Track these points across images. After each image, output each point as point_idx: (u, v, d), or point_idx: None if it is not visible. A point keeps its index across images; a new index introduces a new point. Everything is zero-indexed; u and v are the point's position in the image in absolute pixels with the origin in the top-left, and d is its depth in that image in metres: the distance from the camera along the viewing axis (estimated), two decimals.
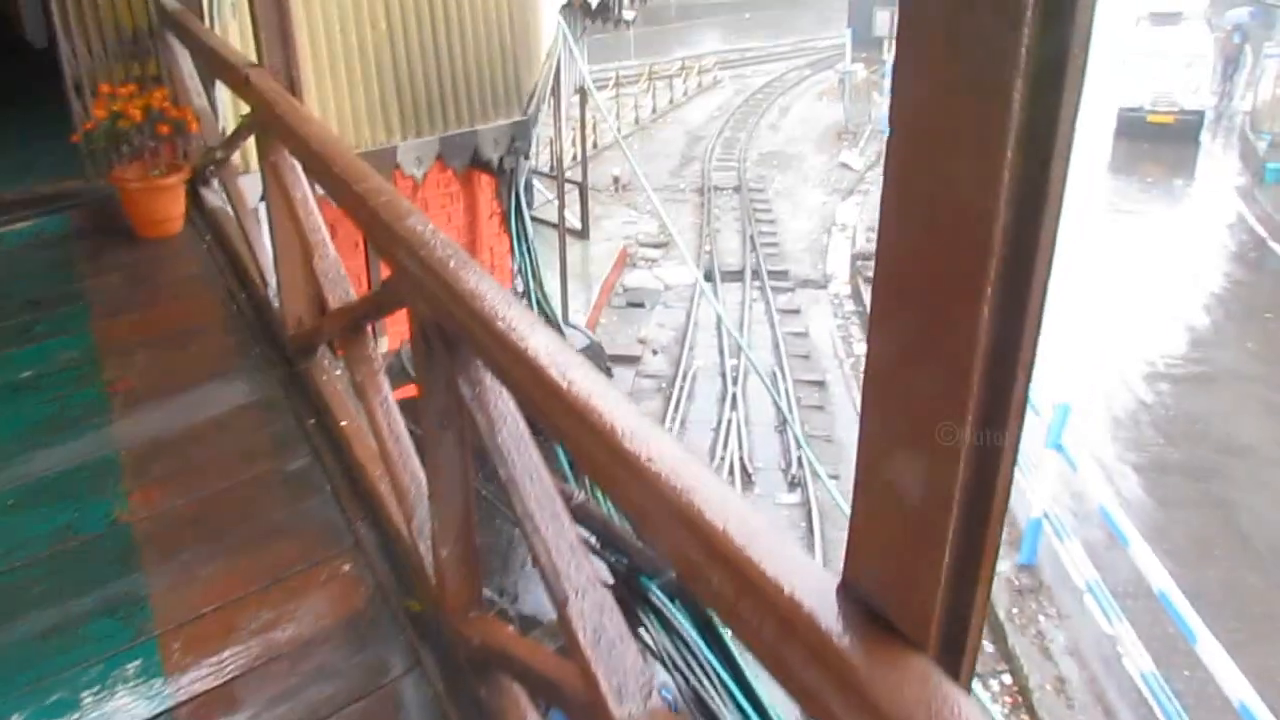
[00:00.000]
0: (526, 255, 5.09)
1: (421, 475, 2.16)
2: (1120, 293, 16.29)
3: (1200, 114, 23.27)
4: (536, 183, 12.73)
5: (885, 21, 26.17)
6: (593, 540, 2.76)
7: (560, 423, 1.27)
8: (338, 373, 3.02)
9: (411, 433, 2.29)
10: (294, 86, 3.04)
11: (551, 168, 16.29)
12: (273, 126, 2.69)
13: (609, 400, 1.20)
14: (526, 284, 4.98)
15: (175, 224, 4.12)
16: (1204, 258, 18.31)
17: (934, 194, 0.73)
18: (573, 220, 16.29)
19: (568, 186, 15.29)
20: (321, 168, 2.20)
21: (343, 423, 2.77)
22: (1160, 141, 23.05)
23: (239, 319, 3.47)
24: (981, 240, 0.71)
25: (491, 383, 1.61)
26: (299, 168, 2.66)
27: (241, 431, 2.88)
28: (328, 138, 2.25)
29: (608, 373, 6.27)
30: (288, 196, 2.72)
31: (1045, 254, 0.75)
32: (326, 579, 2.35)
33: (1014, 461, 0.80)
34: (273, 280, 3.32)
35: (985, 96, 0.67)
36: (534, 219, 12.52)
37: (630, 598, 2.69)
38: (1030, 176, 0.70)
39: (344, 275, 2.57)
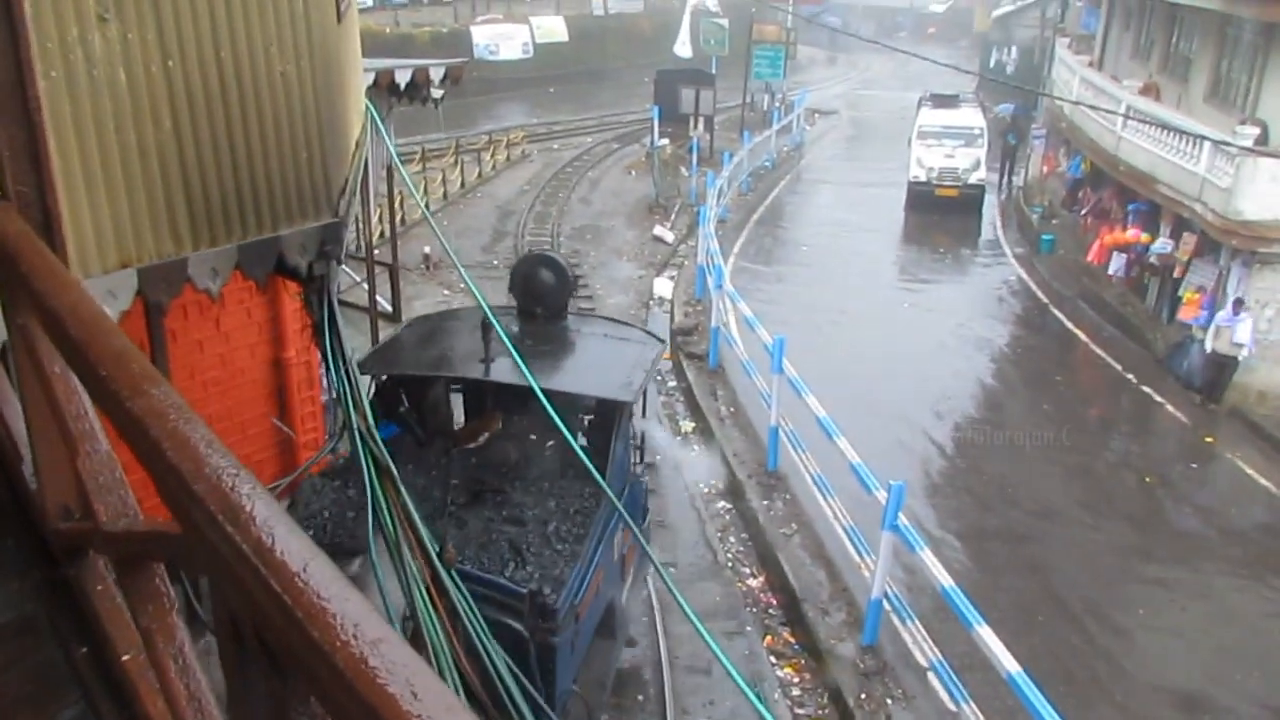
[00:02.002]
0: (346, 379, 4.50)
1: None
2: (920, 357, 16.96)
3: (981, 188, 24.96)
4: (344, 266, 12.01)
5: (690, 99, 26.82)
6: None
7: None
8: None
9: None
10: (50, 221, 2.45)
11: (359, 248, 15.54)
12: (19, 287, 2.10)
13: None
14: (347, 413, 4.38)
15: None
16: (994, 323, 19.40)
17: None
18: (383, 303, 15.55)
19: (377, 268, 14.57)
20: (81, 363, 1.64)
21: (125, 656, 2.15)
22: (947, 213, 24.52)
23: None
24: None
25: None
26: None
27: None
28: (92, 319, 1.70)
29: None
30: (42, 371, 2.12)
31: None
32: None
33: None
34: (28, 454, 2.65)
35: None
36: (343, 303, 11.76)
37: None
38: None
39: (120, 479, 1.99)
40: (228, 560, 1.19)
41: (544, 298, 8.16)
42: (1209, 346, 15.22)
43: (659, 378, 15.84)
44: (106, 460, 2.02)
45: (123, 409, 1.45)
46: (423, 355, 7.76)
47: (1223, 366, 15.15)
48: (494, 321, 6.94)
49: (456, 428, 8.14)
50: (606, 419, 7.59)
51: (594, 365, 7.97)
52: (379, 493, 3.66)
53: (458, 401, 8.61)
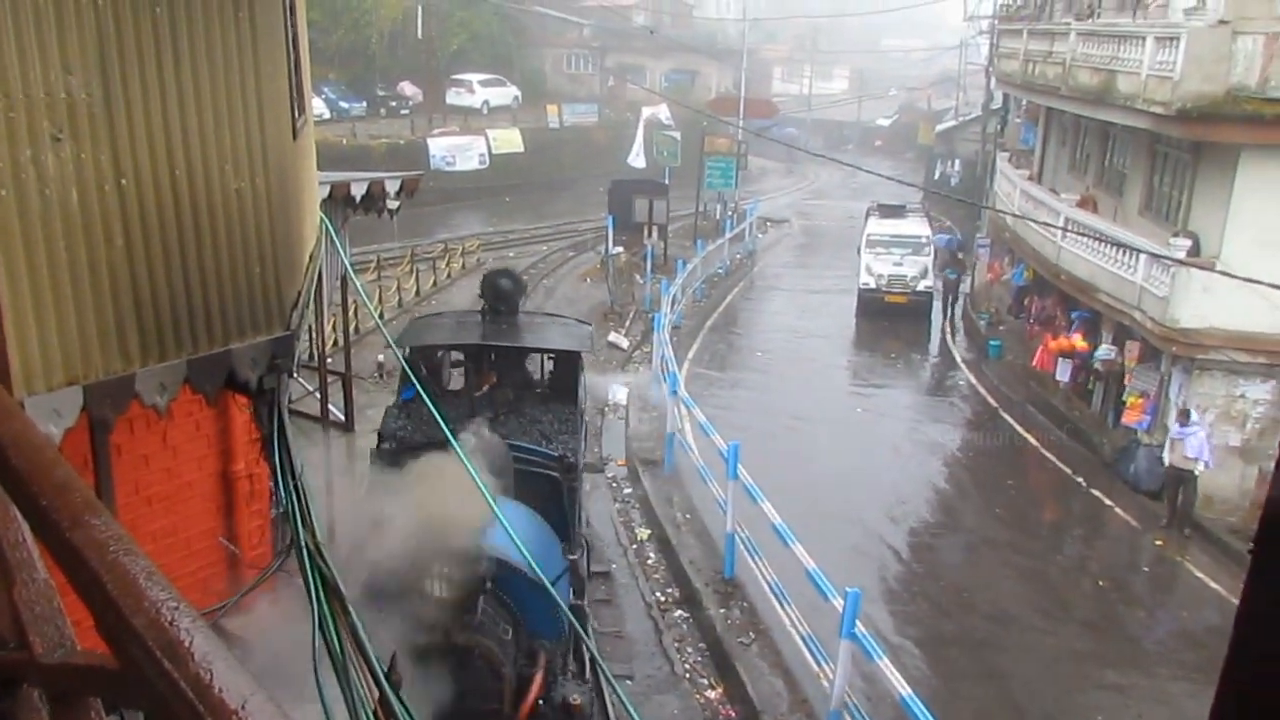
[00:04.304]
0: (294, 494, 4.43)
1: None
2: (873, 462, 17.09)
3: (930, 294, 25.58)
4: (297, 375, 11.94)
5: (644, 208, 27.42)
6: None
7: None
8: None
9: None
10: None
11: (311, 357, 15.42)
12: None
13: None
14: (295, 530, 4.30)
15: None
16: (946, 427, 19.65)
17: None
18: (336, 412, 15.40)
19: (330, 377, 14.46)
20: (22, 493, 1.63)
21: None
22: (897, 319, 25.05)
23: None
24: None
25: None
26: None
27: None
28: (35, 448, 1.69)
29: None
30: None
31: None
32: None
33: None
34: None
35: None
36: (295, 413, 11.63)
37: None
38: None
39: (58, 609, 1.95)
40: (165, 697, 1.18)
41: (506, 298, 11.12)
42: (1166, 459, 14.91)
43: (614, 485, 15.78)
44: (44, 590, 1.97)
45: (62, 540, 1.44)
46: (438, 334, 11.18)
47: (1182, 480, 14.79)
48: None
49: (459, 388, 11.08)
50: (570, 366, 11.07)
51: (553, 334, 11.59)
52: (327, 613, 3.58)
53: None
